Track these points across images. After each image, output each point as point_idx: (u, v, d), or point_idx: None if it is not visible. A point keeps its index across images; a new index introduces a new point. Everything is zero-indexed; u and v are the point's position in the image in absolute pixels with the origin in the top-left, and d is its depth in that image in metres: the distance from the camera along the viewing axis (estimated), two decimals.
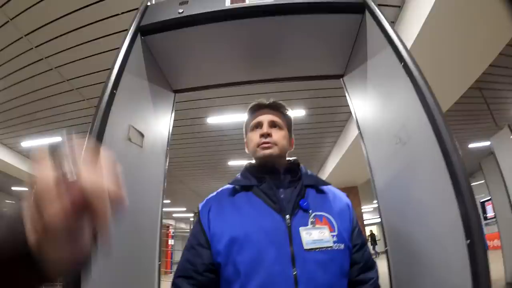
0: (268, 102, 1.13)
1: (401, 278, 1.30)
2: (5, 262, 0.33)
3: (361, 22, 1.36)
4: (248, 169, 1.09)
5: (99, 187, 0.33)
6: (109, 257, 1.03)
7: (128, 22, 1.33)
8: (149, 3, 1.42)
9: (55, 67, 4.18)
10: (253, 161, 1.12)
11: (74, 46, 3.79)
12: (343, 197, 1.08)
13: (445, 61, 3.39)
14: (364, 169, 1.54)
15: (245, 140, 1.17)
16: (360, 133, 1.59)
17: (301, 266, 0.85)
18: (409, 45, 2.98)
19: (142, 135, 1.33)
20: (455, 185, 0.89)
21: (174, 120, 1.72)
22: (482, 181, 6.77)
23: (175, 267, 1.07)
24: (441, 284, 1.00)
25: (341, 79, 1.73)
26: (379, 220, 1.45)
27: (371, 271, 1.00)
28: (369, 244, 14.92)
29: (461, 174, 0.89)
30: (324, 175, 8.62)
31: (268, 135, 1.05)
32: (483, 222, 10.83)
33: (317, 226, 0.92)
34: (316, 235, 0.89)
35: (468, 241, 0.85)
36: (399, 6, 3.30)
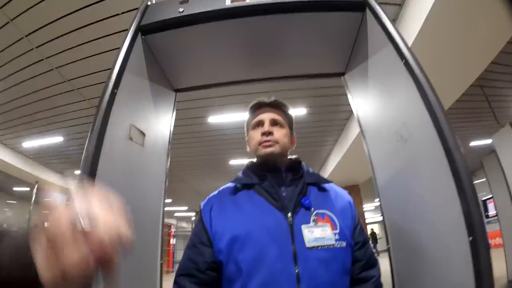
0: (269, 101, 1.13)
1: (403, 276, 1.30)
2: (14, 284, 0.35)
3: (362, 20, 1.36)
4: (250, 168, 1.09)
5: (113, 238, 0.35)
6: None
7: (128, 22, 1.33)
8: (149, 3, 1.42)
9: (56, 68, 4.19)
10: (255, 160, 1.12)
11: (75, 46, 3.80)
12: (345, 195, 1.08)
13: (446, 59, 3.38)
14: (366, 168, 1.53)
15: (246, 138, 1.17)
16: (361, 131, 1.59)
17: (303, 264, 0.85)
18: (409, 43, 2.98)
19: (143, 134, 1.33)
20: (457, 182, 0.89)
21: (175, 120, 1.72)
22: (484, 179, 6.75)
23: (177, 266, 1.07)
24: (444, 281, 1.00)
25: (342, 77, 1.73)
26: (380, 219, 1.45)
27: (373, 269, 1.00)
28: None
29: (463, 170, 0.89)
30: (326, 173, 8.61)
31: (269, 133, 1.04)
32: (485, 220, 10.81)
33: (319, 224, 0.92)
34: (318, 233, 0.89)
35: (471, 238, 0.85)
36: (400, 4, 3.29)
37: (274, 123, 1.08)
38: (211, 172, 9.19)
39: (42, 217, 0.36)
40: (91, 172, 0.98)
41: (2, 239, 0.40)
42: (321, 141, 7.40)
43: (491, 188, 6.38)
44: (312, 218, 0.93)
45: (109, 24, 3.44)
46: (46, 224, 0.35)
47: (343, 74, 1.72)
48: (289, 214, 0.92)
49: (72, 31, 3.56)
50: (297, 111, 5.44)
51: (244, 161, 1.17)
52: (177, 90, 1.77)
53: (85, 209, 0.35)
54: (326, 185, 1.06)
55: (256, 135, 1.07)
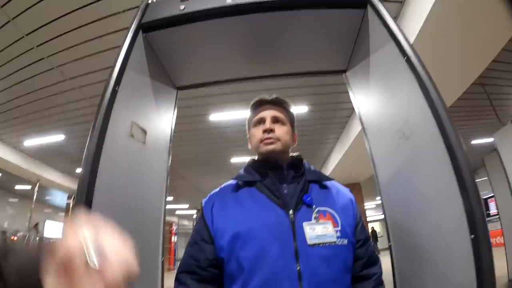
0: (270, 98, 1.13)
1: (404, 274, 1.30)
2: None
3: (363, 17, 1.35)
4: (251, 165, 1.09)
5: (124, 275, 0.36)
6: None
7: (129, 21, 1.33)
8: (150, 1, 1.42)
9: (57, 66, 4.19)
10: (256, 157, 1.12)
11: (75, 45, 3.80)
12: (346, 192, 1.08)
13: (447, 57, 3.37)
14: (367, 166, 1.53)
15: (248, 136, 1.16)
16: (363, 128, 1.58)
17: (304, 262, 0.85)
18: (411, 41, 2.96)
19: (144, 132, 1.33)
20: (459, 179, 0.89)
21: (176, 117, 1.72)
22: (485, 178, 6.73)
23: (178, 264, 1.07)
24: (445, 279, 1.00)
25: (343, 74, 1.72)
26: (381, 217, 1.45)
27: (375, 267, 1.00)
28: None
29: (465, 168, 0.88)
30: (327, 171, 8.61)
31: (271, 130, 1.04)
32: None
33: (320, 221, 0.92)
34: (319, 230, 0.89)
35: (472, 236, 0.85)
36: (401, 2, 3.28)
37: (275, 120, 1.07)
38: (212, 170, 9.19)
39: (54, 251, 0.35)
40: (92, 170, 0.98)
41: (8, 254, 0.41)
42: (322, 139, 7.39)
43: (492, 187, 6.35)
44: (314, 215, 0.92)
45: (109, 23, 3.44)
46: (57, 258, 0.35)
47: (344, 71, 1.71)
48: (291, 212, 0.92)
49: (73, 29, 3.55)
50: (299, 109, 5.43)
51: (246, 159, 1.16)
52: (178, 88, 1.77)
53: (97, 246, 0.35)
54: (328, 183, 1.06)
55: (258, 132, 1.07)
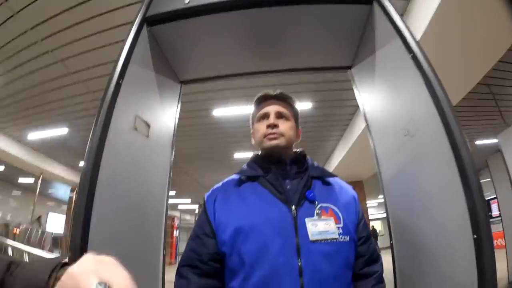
0: (275, 93, 1.12)
1: (405, 272, 1.30)
2: None
3: (369, 13, 1.34)
4: (255, 160, 1.09)
5: None
6: (114, 247, 1.04)
7: (133, 15, 1.32)
8: None
9: (61, 60, 4.20)
10: (260, 152, 1.12)
11: (80, 39, 3.81)
12: (349, 189, 1.07)
13: (453, 56, 3.34)
14: (370, 164, 1.53)
15: (251, 131, 1.16)
16: (367, 125, 1.57)
17: (306, 258, 0.85)
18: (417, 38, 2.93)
19: (148, 125, 1.33)
20: (463, 178, 0.88)
21: (180, 112, 1.72)
22: (488, 179, 6.70)
23: (179, 258, 1.07)
24: (446, 278, 1.00)
25: (348, 71, 1.72)
26: (382, 215, 1.45)
27: (376, 264, 1.00)
28: None
29: (469, 167, 0.88)
30: (330, 168, 8.60)
31: (274, 125, 1.04)
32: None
33: (323, 217, 0.92)
34: (321, 227, 0.89)
35: (475, 236, 0.85)
36: None
37: (279, 115, 1.07)
38: (215, 165, 9.19)
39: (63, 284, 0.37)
40: (95, 164, 0.98)
41: (14, 268, 0.42)
42: (326, 136, 7.37)
43: (495, 188, 6.33)
44: (316, 211, 0.92)
45: (114, 17, 3.44)
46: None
47: (349, 67, 1.70)
48: (293, 207, 0.92)
49: (77, 23, 3.56)
50: (303, 105, 5.42)
51: (249, 155, 1.16)
52: (182, 82, 1.77)
53: (103, 280, 0.36)
54: (331, 179, 1.06)
55: (262, 127, 1.07)
